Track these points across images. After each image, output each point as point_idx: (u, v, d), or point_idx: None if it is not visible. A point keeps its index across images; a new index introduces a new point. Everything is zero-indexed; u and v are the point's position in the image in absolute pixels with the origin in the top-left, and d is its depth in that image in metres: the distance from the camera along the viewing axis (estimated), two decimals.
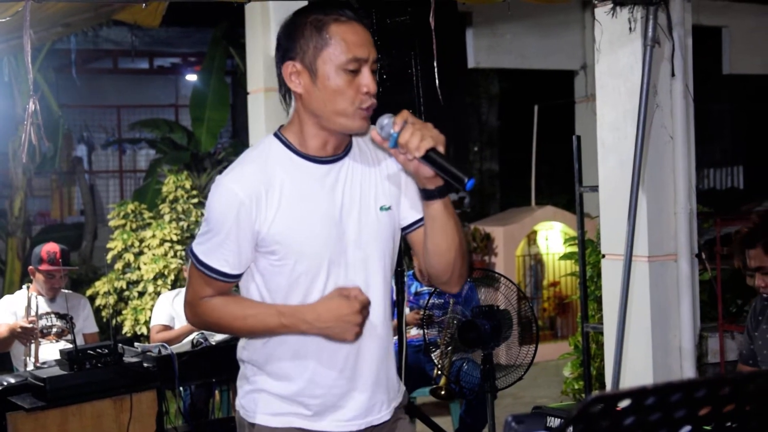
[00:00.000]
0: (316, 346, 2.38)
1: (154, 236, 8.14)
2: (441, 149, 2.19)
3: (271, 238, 2.32)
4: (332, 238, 2.34)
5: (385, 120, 2.22)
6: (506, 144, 13.30)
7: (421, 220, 2.41)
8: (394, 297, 5.00)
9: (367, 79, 2.29)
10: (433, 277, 2.45)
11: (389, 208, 2.41)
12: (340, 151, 2.39)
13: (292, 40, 2.32)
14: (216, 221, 2.34)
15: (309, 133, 2.36)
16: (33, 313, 5.42)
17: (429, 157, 2.17)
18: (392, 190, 2.43)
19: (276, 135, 2.42)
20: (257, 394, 2.46)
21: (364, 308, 2.29)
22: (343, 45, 2.27)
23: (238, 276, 2.40)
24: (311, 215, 2.33)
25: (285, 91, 2.39)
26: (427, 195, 2.29)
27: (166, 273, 7.98)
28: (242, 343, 2.50)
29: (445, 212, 2.31)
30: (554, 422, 2.83)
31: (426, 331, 5.19)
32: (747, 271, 3.57)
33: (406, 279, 5.31)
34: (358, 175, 2.39)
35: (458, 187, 2.18)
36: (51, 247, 5.65)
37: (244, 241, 2.32)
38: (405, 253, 5.86)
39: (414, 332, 5.91)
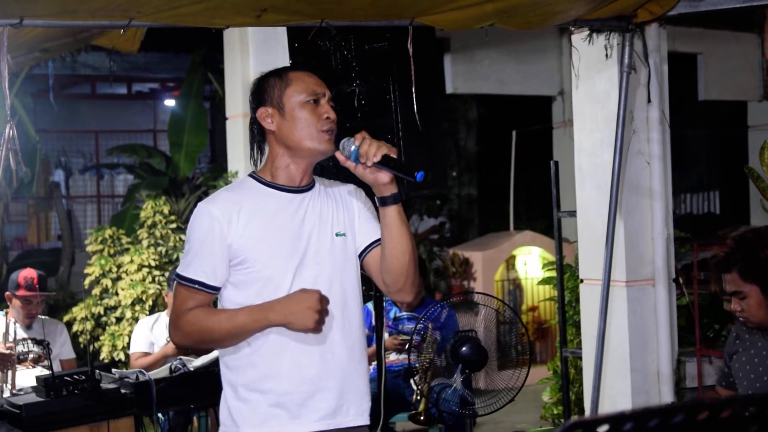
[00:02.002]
0: (283, 361, 2.72)
1: (132, 262, 8.08)
2: (393, 156, 2.63)
3: (240, 248, 2.71)
4: (293, 252, 2.74)
5: (346, 141, 2.71)
6: (484, 169, 13.33)
7: (372, 243, 2.85)
8: (373, 322, 4.99)
9: (326, 108, 2.80)
10: (390, 284, 2.82)
11: (344, 234, 2.84)
12: (304, 184, 2.84)
13: (262, 92, 2.85)
14: (193, 237, 2.75)
15: (280, 166, 2.82)
16: (10, 338, 5.37)
17: (384, 160, 2.62)
18: (347, 222, 2.86)
19: (250, 175, 2.89)
20: (227, 411, 2.78)
21: (323, 300, 2.65)
22: (301, 84, 2.81)
23: (215, 288, 2.76)
24: (276, 230, 2.74)
25: (257, 142, 2.87)
26: (382, 201, 2.71)
27: (144, 298, 7.93)
28: (222, 364, 2.83)
29: (399, 218, 2.73)
30: None
31: (405, 356, 5.18)
32: (723, 295, 3.57)
33: (385, 304, 5.29)
34: (318, 205, 2.83)
35: (411, 180, 2.61)
36: (28, 273, 5.61)
37: (217, 251, 2.71)
38: None
39: (393, 357, 5.89)
